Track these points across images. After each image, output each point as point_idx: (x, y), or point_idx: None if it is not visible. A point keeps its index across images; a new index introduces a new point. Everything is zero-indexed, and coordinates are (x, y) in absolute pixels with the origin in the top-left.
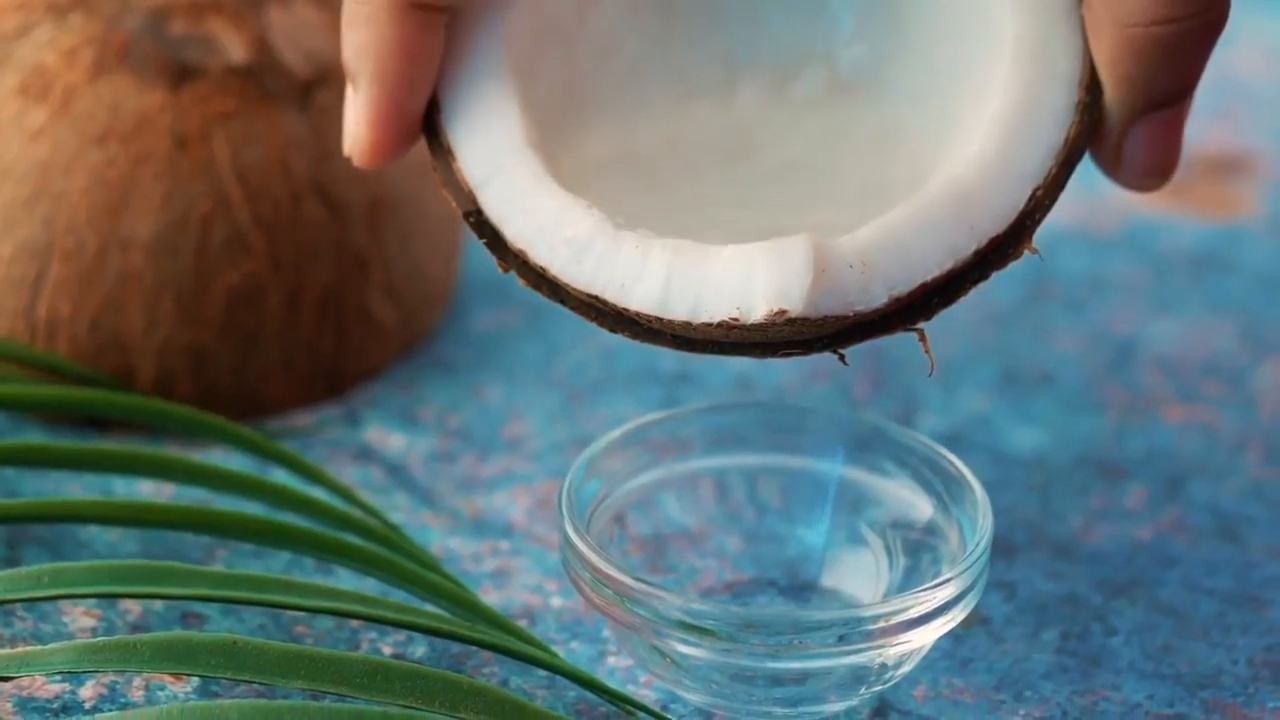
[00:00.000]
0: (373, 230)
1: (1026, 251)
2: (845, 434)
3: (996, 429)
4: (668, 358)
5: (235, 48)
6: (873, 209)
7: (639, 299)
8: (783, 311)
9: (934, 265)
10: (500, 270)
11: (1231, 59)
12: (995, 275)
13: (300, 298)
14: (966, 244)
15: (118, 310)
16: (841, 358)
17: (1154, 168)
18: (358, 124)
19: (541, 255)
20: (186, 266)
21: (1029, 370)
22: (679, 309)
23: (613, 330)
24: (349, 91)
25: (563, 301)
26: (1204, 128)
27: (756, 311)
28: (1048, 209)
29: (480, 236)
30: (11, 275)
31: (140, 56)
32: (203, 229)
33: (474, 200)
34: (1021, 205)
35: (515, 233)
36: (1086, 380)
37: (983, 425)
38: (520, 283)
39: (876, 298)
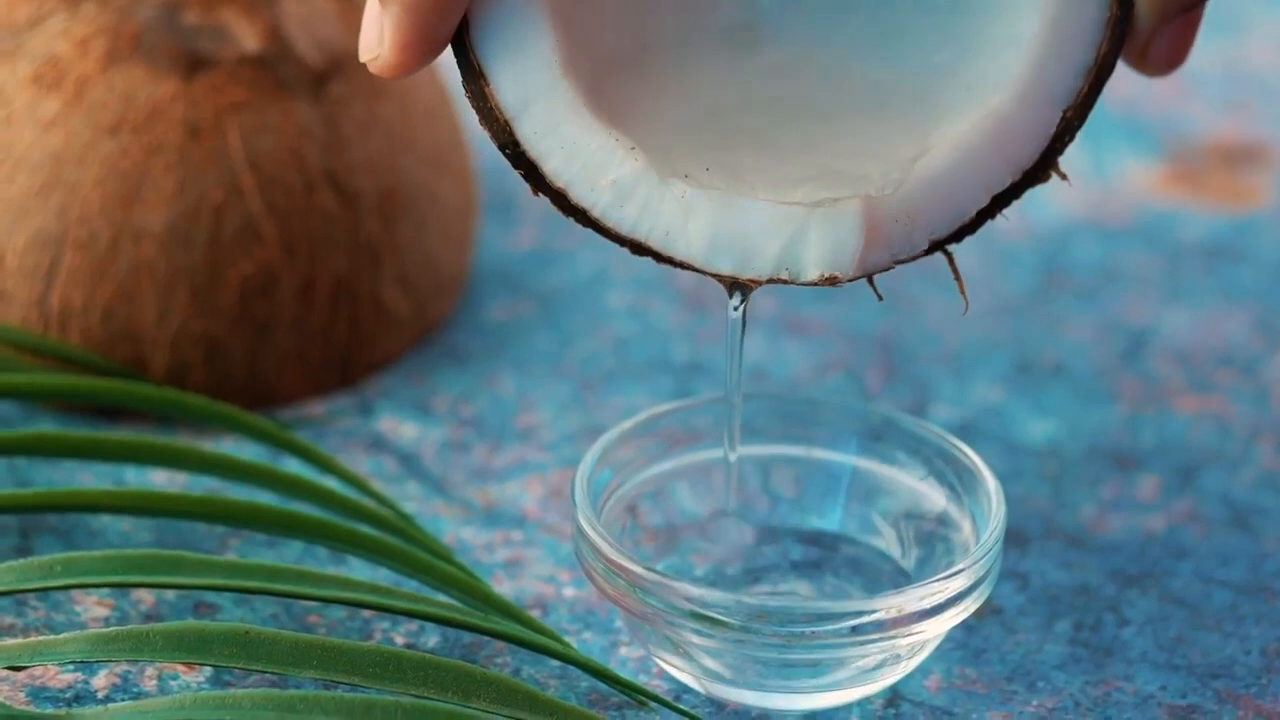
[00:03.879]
0: (385, 220)
1: (1054, 174)
2: (858, 425)
3: (1009, 419)
4: (681, 349)
5: (248, 37)
6: (883, 115)
7: (684, 250)
8: (834, 277)
9: (973, 206)
10: (532, 193)
11: (1244, 50)
12: (1007, 267)
13: (313, 287)
14: (1003, 179)
15: (130, 300)
16: (872, 285)
17: (1175, 60)
18: (381, 42)
19: (583, 196)
20: (199, 256)
21: (1041, 361)
22: (724, 264)
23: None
24: (373, 6)
25: (600, 233)
26: (1217, 118)
27: (806, 274)
28: (1077, 129)
29: (516, 168)
30: (25, 265)
31: (153, 46)
32: (215, 219)
33: (510, 131)
34: (1053, 130)
35: (554, 170)
36: (1099, 371)
37: (995, 416)
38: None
39: (919, 245)
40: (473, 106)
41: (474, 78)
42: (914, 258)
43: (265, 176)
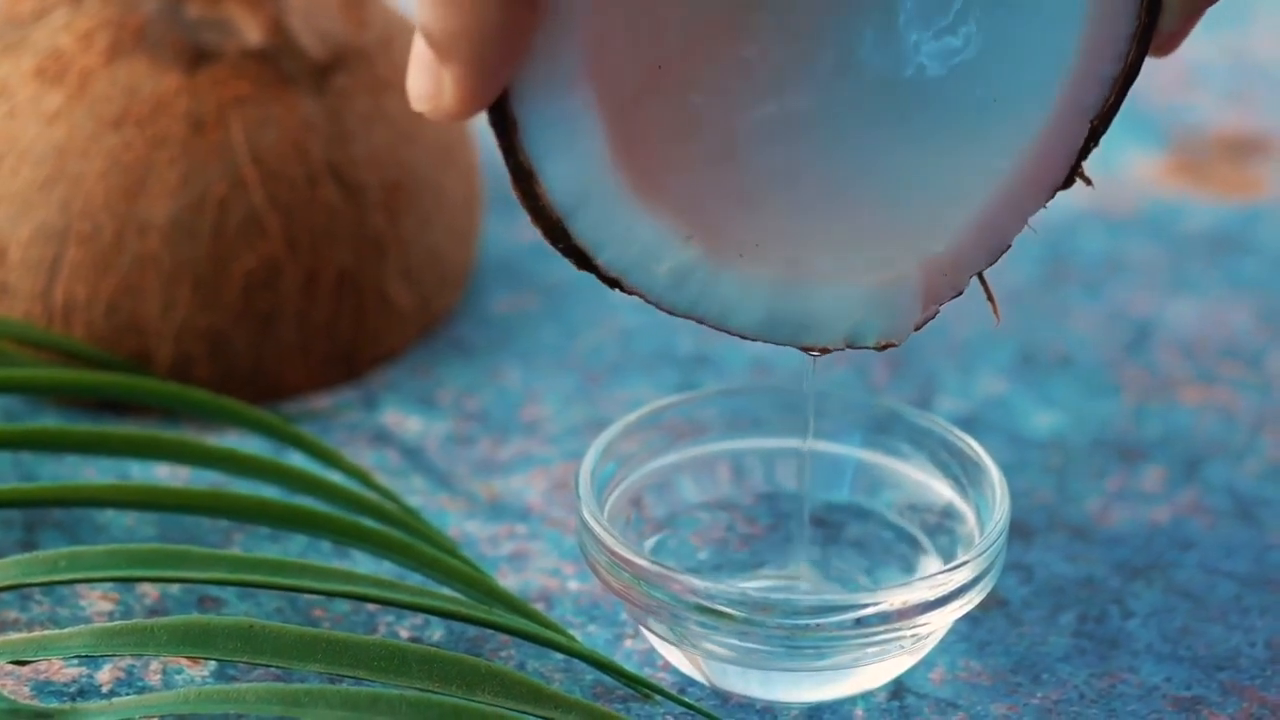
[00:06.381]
0: (390, 213)
1: (1078, 179)
2: (862, 417)
3: (1014, 411)
4: (685, 341)
5: (251, 30)
6: (911, 141)
7: (739, 324)
8: (891, 343)
9: (1013, 235)
10: (576, 269)
11: (1249, 40)
12: (1011, 258)
13: (317, 280)
14: (1040, 202)
15: (134, 293)
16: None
17: (1179, 43)
18: (442, 95)
19: (639, 283)
20: (203, 249)
21: (1046, 352)
22: (780, 335)
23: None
24: (427, 56)
25: (651, 305)
26: (1222, 109)
27: (865, 342)
28: (1101, 136)
29: (567, 256)
30: (28, 258)
31: (156, 39)
32: (219, 212)
33: (563, 227)
34: (1080, 143)
35: (608, 260)
36: (1104, 362)
37: (1000, 407)
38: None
39: (963, 286)
40: (523, 206)
41: (524, 178)
42: (956, 296)
43: (268, 170)
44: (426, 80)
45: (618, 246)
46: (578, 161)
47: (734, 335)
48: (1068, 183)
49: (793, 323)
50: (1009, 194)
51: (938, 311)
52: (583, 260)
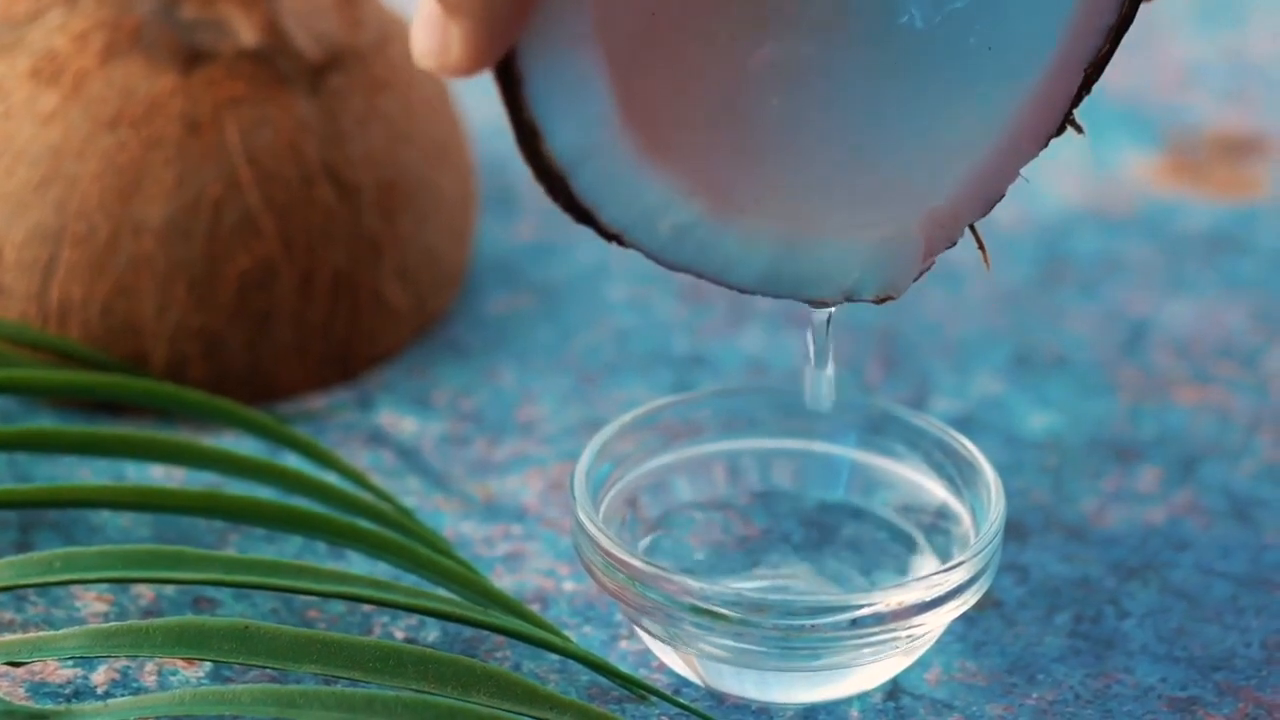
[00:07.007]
0: (385, 213)
1: (1070, 127)
2: (857, 417)
3: (1009, 411)
4: (681, 341)
5: (246, 31)
6: (905, 93)
7: (739, 279)
8: (890, 297)
9: (1007, 184)
10: (573, 221)
11: (1245, 40)
12: (1007, 258)
13: (312, 281)
14: (1034, 152)
15: (129, 294)
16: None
17: None
18: (449, 50)
19: (640, 238)
20: (198, 250)
21: (1042, 352)
22: (781, 289)
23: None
24: (435, 11)
25: (651, 259)
26: (1218, 109)
27: (863, 296)
28: (1094, 83)
29: (567, 211)
30: (23, 260)
31: (152, 40)
32: (214, 213)
33: (565, 184)
34: (1073, 92)
35: (611, 217)
36: (1099, 362)
37: (995, 408)
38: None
39: (957, 237)
40: (526, 163)
41: (529, 135)
42: (951, 247)
43: (264, 170)
44: (434, 35)
45: (620, 204)
46: (583, 119)
47: (734, 289)
48: (1059, 130)
49: (794, 277)
50: (1005, 144)
51: (933, 263)
52: (583, 216)
